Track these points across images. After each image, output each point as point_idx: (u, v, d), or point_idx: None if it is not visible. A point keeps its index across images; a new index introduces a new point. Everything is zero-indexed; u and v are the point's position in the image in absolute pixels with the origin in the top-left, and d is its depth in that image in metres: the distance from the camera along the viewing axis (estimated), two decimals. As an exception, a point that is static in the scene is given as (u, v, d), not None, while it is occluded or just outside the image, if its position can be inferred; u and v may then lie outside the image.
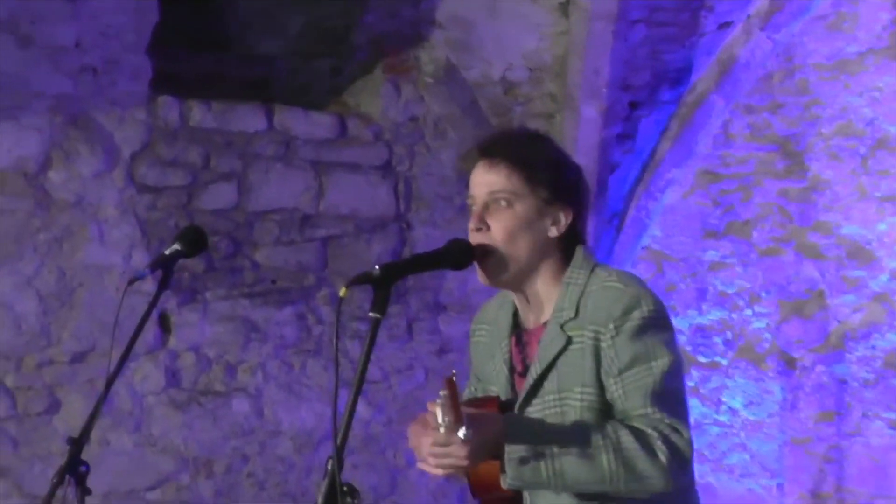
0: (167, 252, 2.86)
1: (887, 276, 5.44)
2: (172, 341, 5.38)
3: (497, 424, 2.50)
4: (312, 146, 5.69)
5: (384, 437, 5.90)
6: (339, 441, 2.38)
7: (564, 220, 2.67)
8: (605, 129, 5.74)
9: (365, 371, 2.43)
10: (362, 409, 5.75)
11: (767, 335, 5.87)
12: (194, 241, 2.90)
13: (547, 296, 2.67)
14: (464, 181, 5.95)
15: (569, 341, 2.60)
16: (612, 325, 2.56)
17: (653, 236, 6.21)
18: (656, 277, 6.14)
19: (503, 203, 2.64)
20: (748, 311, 5.93)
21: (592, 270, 2.65)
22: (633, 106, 5.82)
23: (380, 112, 5.89)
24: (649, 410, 2.52)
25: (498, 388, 2.73)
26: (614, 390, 2.56)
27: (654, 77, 5.73)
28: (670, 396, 2.55)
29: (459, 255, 2.62)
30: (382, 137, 5.89)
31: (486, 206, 2.65)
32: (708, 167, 6.07)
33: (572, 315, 2.61)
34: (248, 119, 5.56)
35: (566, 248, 2.69)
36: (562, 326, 2.61)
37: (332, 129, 5.77)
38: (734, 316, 5.96)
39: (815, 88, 5.66)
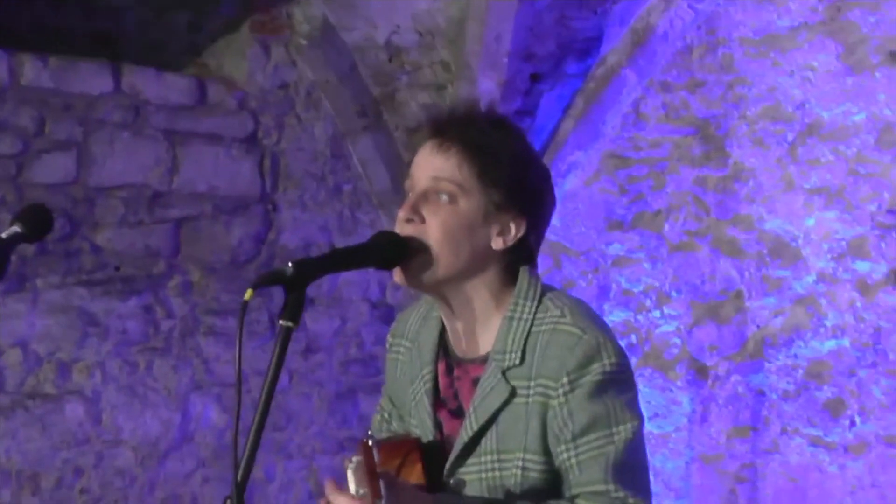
0: (4, 235, 2.60)
1: (813, 278, 5.41)
2: (-6, 336, 5.27)
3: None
4: (166, 113, 5.61)
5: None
6: (239, 477, 2.15)
7: (515, 231, 2.44)
8: (503, 103, 5.74)
9: (272, 391, 2.21)
10: (216, 415, 5.73)
11: (677, 340, 5.84)
12: (38, 221, 2.64)
13: (483, 320, 2.47)
14: (339, 158, 6.01)
15: (512, 393, 2.39)
16: (565, 380, 2.36)
17: (551, 226, 6.03)
18: (553, 272, 6.13)
19: (445, 196, 2.42)
20: (656, 313, 5.90)
21: (540, 301, 2.44)
22: (535, 78, 5.78)
23: (245, 77, 5.83)
24: (610, 487, 2.33)
25: (417, 422, 2.52)
26: (565, 458, 2.36)
27: (560, 47, 5.70)
28: (634, 470, 2.37)
29: (389, 250, 2.40)
30: (247, 106, 5.83)
31: (424, 196, 2.43)
32: (616, 150, 6.03)
33: (517, 361, 2.40)
34: (90, 79, 5.45)
35: (509, 264, 2.47)
36: (504, 373, 2.41)
37: (190, 94, 5.69)
38: (640, 318, 5.93)
39: (740, 66, 5.62)
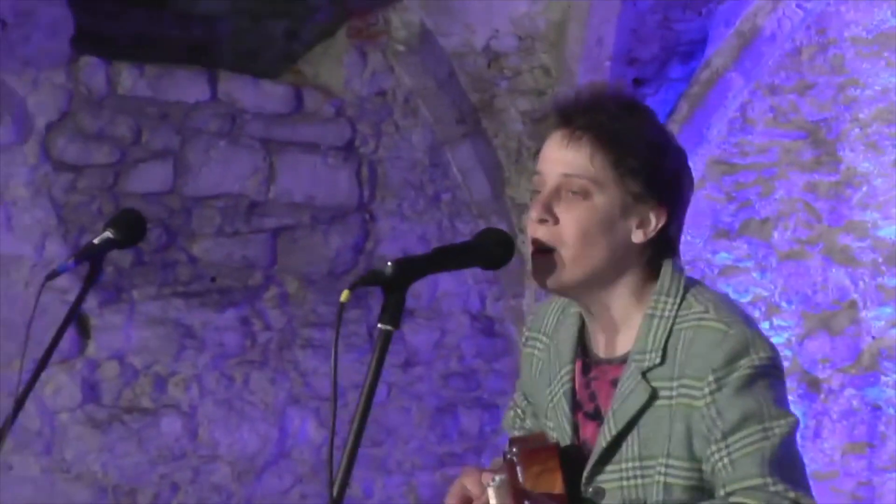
0: (96, 241, 2.60)
1: None
2: (91, 348, 5.25)
3: None
4: (262, 121, 5.56)
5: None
6: (335, 493, 2.02)
7: (655, 222, 2.28)
8: None
9: (371, 399, 2.10)
10: (313, 430, 5.64)
11: (788, 352, 5.76)
12: (131, 227, 2.64)
13: (623, 318, 2.32)
14: (437, 167, 5.90)
15: (653, 395, 2.24)
16: (711, 378, 2.20)
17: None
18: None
19: (579, 192, 2.25)
20: (765, 324, 5.80)
21: (683, 297, 2.29)
22: (638, 83, 5.76)
23: (342, 84, 5.77)
24: (768, 481, 2.14)
25: (554, 424, 2.37)
26: (717, 459, 2.19)
27: (664, 50, 5.68)
28: (793, 465, 2.18)
29: (495, 250, 2.23)
30: (344, 113, 5.75)
31: (556, 193, 2.26)
32: (722, 156, 5.98)
33: (657, 361, 2.25)
34: (187, 87, 5.43)
35: (652, 258, 2.31)
36: (644, 374, 2.25)
37: (286, 101, 5.63)
38: (749, 330, 5.75)
39: (851, 66, 5.59)
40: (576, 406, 2.35)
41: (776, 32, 5.69)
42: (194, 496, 5.35)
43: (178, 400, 5.35)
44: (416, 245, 5.89)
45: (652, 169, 2.26)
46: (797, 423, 2.20)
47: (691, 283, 2.31)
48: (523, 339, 2.51)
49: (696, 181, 6.24)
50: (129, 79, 5.27)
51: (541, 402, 2.41)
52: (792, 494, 2.14)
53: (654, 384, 2.23)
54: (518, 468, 2.12)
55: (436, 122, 5.89)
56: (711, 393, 2.18)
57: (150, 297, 5.28)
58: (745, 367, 2.18)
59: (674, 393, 2.22)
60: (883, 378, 5.45)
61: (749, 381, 2.18)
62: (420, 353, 5.90)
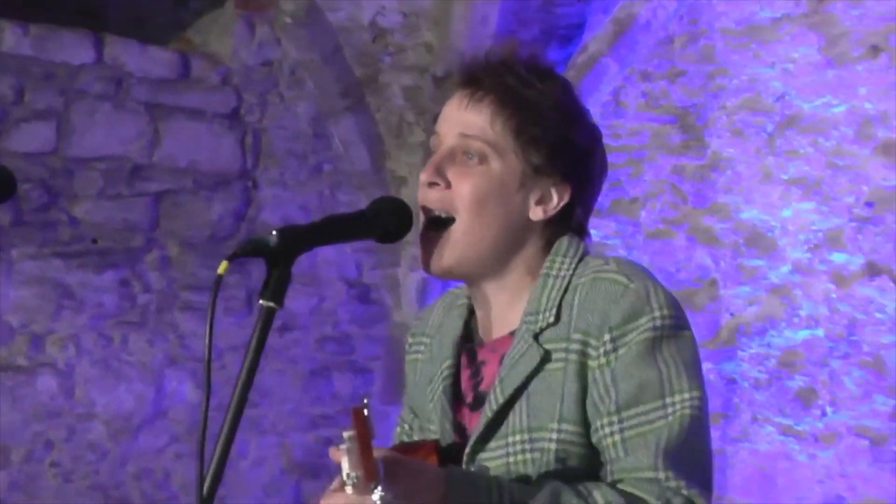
0: None
1: (789, 268, 5.38)
2: (-33, 306, 5.14)
3: (435, 485, 1.83)
4: (148, 86, 5.41)
5: (214, 424, 5.43)
6: (205, 489, 1.77)
7: (557, 199, 2.00)
8: None
9: (251, 380, 1.83)
10: (190, 391, 5.55)
11: None
12: None
13: (516, 295, 2.03)
14: (321, 138, 5.80)
15: (545, 358, 1.94)
16: (607, 337, 1.90)
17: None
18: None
19: (476, 155, 1.99)
20: None
21: (581, 259, 2.00)
22: None
23: (229, 53, 5.65)
24: (660, 475, 1.86)
25: (436, 427, 2.07)
26: (606, 434, 1.90)
27: (544, 32, 5.58)
28: (691, 453, 1.89)
29: (392, 220, 1.97)
30: (231, 82, 5.64)
31: (450, 156, 2.01)
32: None
33: (551, 320, 1.95)
34: (72, 48, 5.24)
35: (551, 239, 2.03)
36: (536, 337, 1.96)
37: (173, 68, 5.50)
38: (615, 304, 5.77)
39: (721, 56, 5.58)
40: (457, 400, 2.06)
41: (651, 21, 5.66)
42: (69, 454, 5.22)
43: (55, 359, 5.20)
44: (298, 213, 5.80)
45: (558, 141, 1.99)
46: (703, 397, 1.91)
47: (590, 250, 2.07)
48: (406, 348, 2.23)
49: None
50: (12, 37, 5.08)
51: (425, 406, 2.12)
52: (685, 492, 1.86)
53: (547, 346, 1.95)
54: (368, 424, 1.73)
55: (320, 94, 5.78)
56: (606, 354, 1.90)
57: (28, 256, 5.13)
58: (644, 326, 1.90)
59: (569, 352, 1.94)
60: (739, 353, 5.44)
61: (650, 346, 1.89)
62: (298, 318, 5.81)
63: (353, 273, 6.00)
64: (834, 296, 5.23)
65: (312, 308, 5.86)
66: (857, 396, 5.20)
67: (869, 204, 5.15)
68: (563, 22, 5.56)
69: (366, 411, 1.71)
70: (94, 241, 5.26)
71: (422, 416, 2.13)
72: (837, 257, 5.25)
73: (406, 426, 2.21)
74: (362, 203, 5.88)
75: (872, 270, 5.14)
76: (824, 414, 5.26)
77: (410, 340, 2.21)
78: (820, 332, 5.29)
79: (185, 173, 5.47)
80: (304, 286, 5.81)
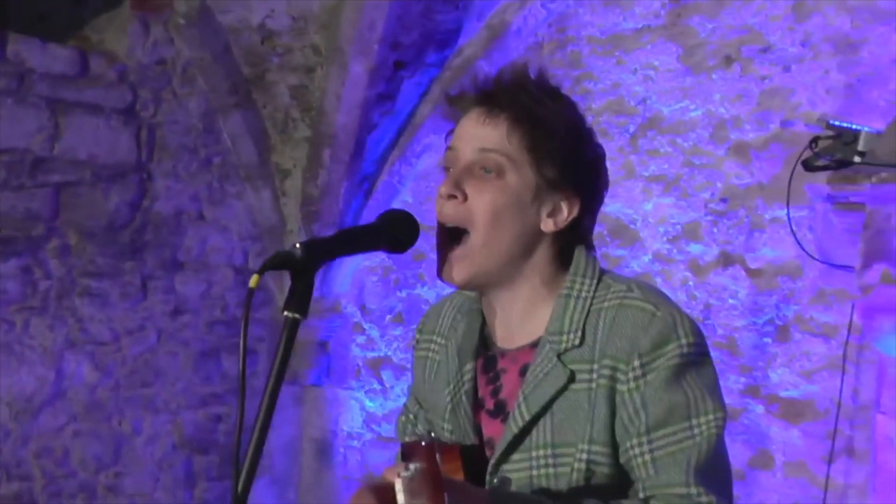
0: None
1: (650, 257, 5.40)
2: None
3: None
4: (49, 82, 5.34)
5: (111, 403, 5.65)
6: (240, 487, 1.75)
7: (567, 212, 2.03)
8: (369, 88, 5.61)
9: (278, 388, 1.79)
10: (88, 372, 5.56)
11: None
12: None
13: (532, 306, 2.05)
14: (211, 132, 5.90)
15: (571, 378, 1.97)
16: (637, 363, 1.93)
17: (404, 202, 6.07)
18: (409, 253, 5.96)
19: (493, 169, 2.00)
20: None
21: (600, 280, 2.02)
22: (398, 66, 5.68)
23: (126, 51, 5.61)
24: (692, 491, 1.90)
25: (452, 426, 2.10)
26: (637, 452, 1.93)
27: (423, 37, 5.59)
28: (718, 470, 1.95)
29: (401, 232, 1.98)
30: (127, 79, 5.62)
31: (468, 170, 2.01)
32: None
33: (576, 342, 1.97)
34: None
35: (562, 250, 2.05)
36: (560, 356, 1.98)
37: (73, 64, 5.43)
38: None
39: (587, 62, 5.56)
40: (477, 405, 2.09)
41: (521, 28, 5.63)
42: (-31, 434, 5.18)
43: (-43, 343, 5.13)
44: (189, 203, 5.84)
45: (569, 156, 2.01)
46: (725, 418, 1.97)
47: (607, 270, 2.07)
48: (415, 342, 2.25)
49: (442, 157, 6.39)
50: (-82, 34, 4.97)
51: (437, 405, 2.14)
52: None
53: (572, 367, 1.97)
54: (437, 456, 1.75)
55: (211, 91, 5.82)
56: (636, 379, 1.93)
57: (-64, 244, 5.04)
58: (672, 353, 1.93)
59: (594, 375, 1.96)
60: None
61: (677, 371, 1.93)
62: (189, 302, 5.87)
63: (240, 260, 6.09)
64: (691, 283, 5.22)
65: (202, 293, 5.93)
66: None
67: (723, 199, 5.15)
68: (442, 27, 5.56)
69: (435, 443, 1.76)
70: (-3, 231, 5.23)
71: (431, 410, 2.17)
72: (694, 248, 5.24)
73: (411, 415, 2.26)
74: (249, 194, 6.05)
75: (726, 260, 5.13)
76: (680, 389, 5.43)
77: (419, 337, 2.24)
78: (678, 317, 5.42)
79: (84, 165, 5.45)
80: (196, 272, 5.87)
